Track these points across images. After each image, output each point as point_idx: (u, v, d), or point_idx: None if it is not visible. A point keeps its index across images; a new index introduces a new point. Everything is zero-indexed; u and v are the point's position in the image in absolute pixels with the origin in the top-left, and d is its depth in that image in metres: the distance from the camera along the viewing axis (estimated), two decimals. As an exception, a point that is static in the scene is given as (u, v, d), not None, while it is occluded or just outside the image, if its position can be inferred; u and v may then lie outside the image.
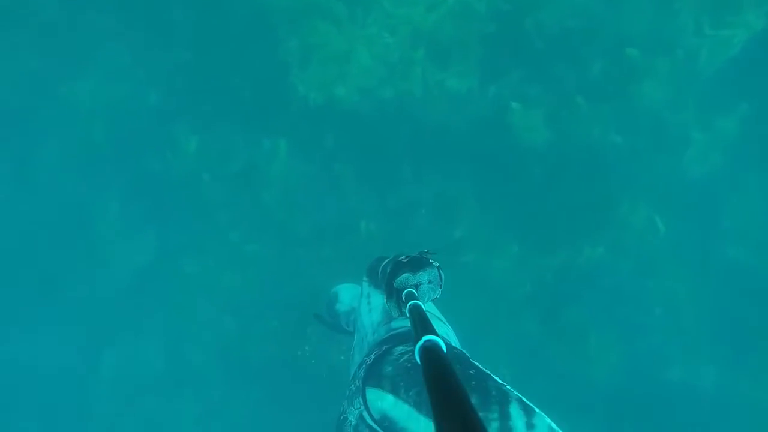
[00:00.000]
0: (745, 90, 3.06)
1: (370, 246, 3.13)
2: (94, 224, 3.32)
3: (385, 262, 1.42)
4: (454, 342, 1.37)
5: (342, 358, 3.02)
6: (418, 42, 3.18)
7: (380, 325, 1.42)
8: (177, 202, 3.29)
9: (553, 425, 0.89)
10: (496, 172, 3.19)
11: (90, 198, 3.32)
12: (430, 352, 0.71)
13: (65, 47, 3.29)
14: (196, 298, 3.26)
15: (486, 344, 3.03)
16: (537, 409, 0.91)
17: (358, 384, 1.13)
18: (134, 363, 3.25)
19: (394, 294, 1.25)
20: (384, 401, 1.03)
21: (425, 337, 0.76)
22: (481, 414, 0.63)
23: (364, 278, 1.65)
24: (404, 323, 1.31)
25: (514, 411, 0.90)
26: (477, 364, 1.03)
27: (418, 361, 0.73)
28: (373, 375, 1.10)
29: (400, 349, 1.14)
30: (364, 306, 1.57)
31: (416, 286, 1.22)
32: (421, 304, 1.04)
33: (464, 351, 1.15)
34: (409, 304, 1.04)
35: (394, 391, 1.02)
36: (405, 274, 1.24)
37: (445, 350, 0.73)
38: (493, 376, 0.99)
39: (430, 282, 1.24)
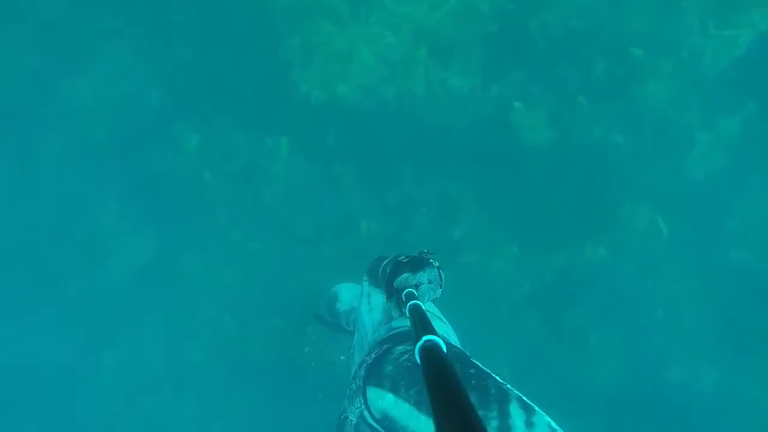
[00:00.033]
0: (750, 90, 3.05)
1: (370, 245, 3.13)
2: (95, 222, 3.32)
3: (385, 262, 1.42)
4: (454, 341, 1.37)
5: (342, 357, 3.01)
6: (420, 41, 3.17)
7: (380, 324, 1.41)
8: (178, 201, 3.29)
9: (553, 423, 0.89)
10: (498, 171, 3.18)
11: (91, 196, 3.32)
12: (430, 351, 0.71)
13: (66, 45, 3.30)
14: (196, 297, 3.26)
15: (486, 344, 3.03)
16: (536, 408, 0.91)
17: (358, 383, 1.13)
18: (134, 362, 3.25)
19: (394, 294, 1.26)
20: (384, 400, 1.03)
21: (425, 337, 0.76)
22: (480, 412, 0.63)
23: (365, 278, 1.65)
24: (404, 323, 1.31)
25: (514, 409, 0.90)
26: (477, 363, 1.03)
27: (418, 360, 0.73)
28: (373, 374, 1.10)
29: (400, 348, 1.14)
30: (365, 305, 1.56)
31: (416, 286, 1.23)
32: (421, 304, 1.04)
33: (464, 350, 1.15)
34: (409, 304, 1.05)
35: (395, 390, 1.02)
36: (405, 274, 1.24)
37: (445, 350, 0.73)
38: (493, 375, 0.99)
39: (430, 282, 1.25)
